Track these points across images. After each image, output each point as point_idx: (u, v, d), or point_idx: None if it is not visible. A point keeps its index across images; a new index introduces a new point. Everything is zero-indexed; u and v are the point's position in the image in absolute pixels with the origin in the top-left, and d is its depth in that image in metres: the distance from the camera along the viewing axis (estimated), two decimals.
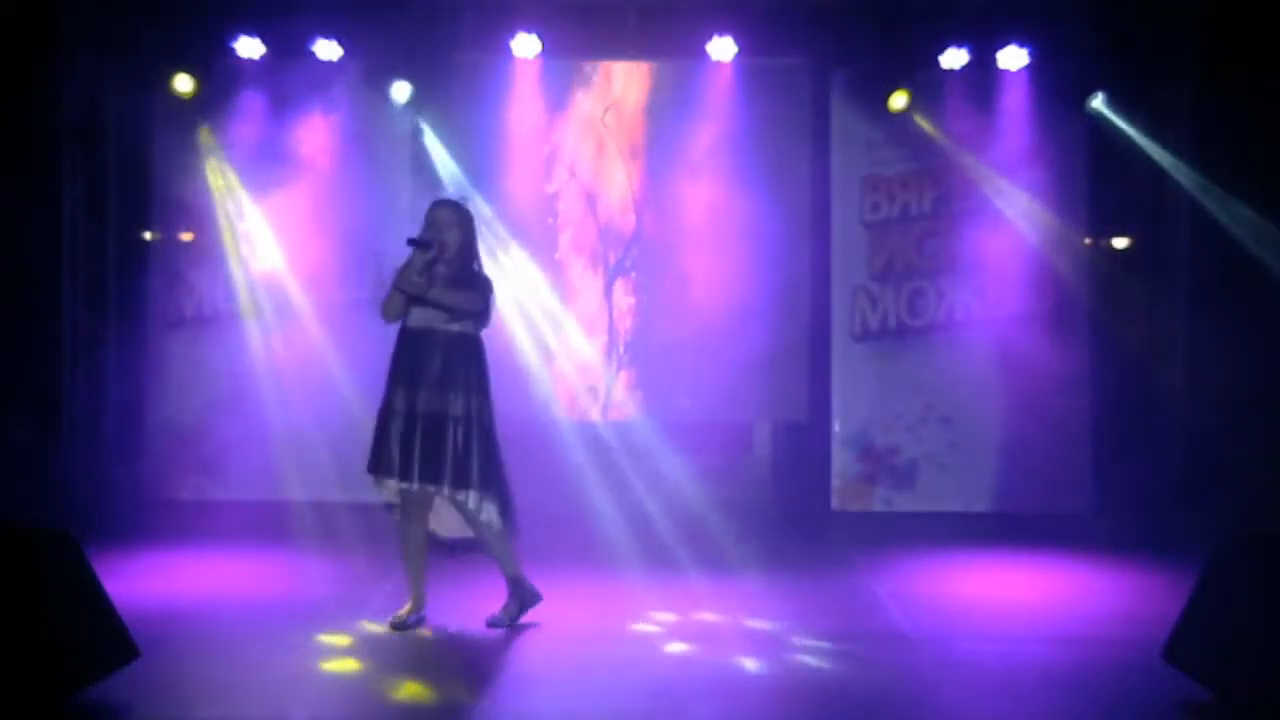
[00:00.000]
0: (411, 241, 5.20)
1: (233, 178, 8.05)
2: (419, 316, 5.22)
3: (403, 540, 5.38)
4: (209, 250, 8.10)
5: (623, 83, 8.36)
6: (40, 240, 7.55)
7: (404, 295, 5.19)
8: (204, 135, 8.03)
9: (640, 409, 8.36)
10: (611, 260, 8.43)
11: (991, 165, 8.04)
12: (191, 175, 8.05)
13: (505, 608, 5.41)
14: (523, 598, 5.43)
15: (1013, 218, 8.03)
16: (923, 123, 8.07)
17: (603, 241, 8.43)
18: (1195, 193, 7.62)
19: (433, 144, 8.11)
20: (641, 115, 8.38)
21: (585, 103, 8.35)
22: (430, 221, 5.31)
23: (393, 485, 5.23)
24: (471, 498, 5.22)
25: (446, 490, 5.19)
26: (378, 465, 5.24)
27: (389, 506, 5.40)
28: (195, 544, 7.17)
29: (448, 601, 5.51)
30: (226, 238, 8.07)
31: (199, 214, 8.09)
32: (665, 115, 8.28)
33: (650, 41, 8.05)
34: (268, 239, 8.09)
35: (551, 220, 8.38)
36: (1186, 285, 7.73)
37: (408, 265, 5.19)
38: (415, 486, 5.20)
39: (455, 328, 5.25)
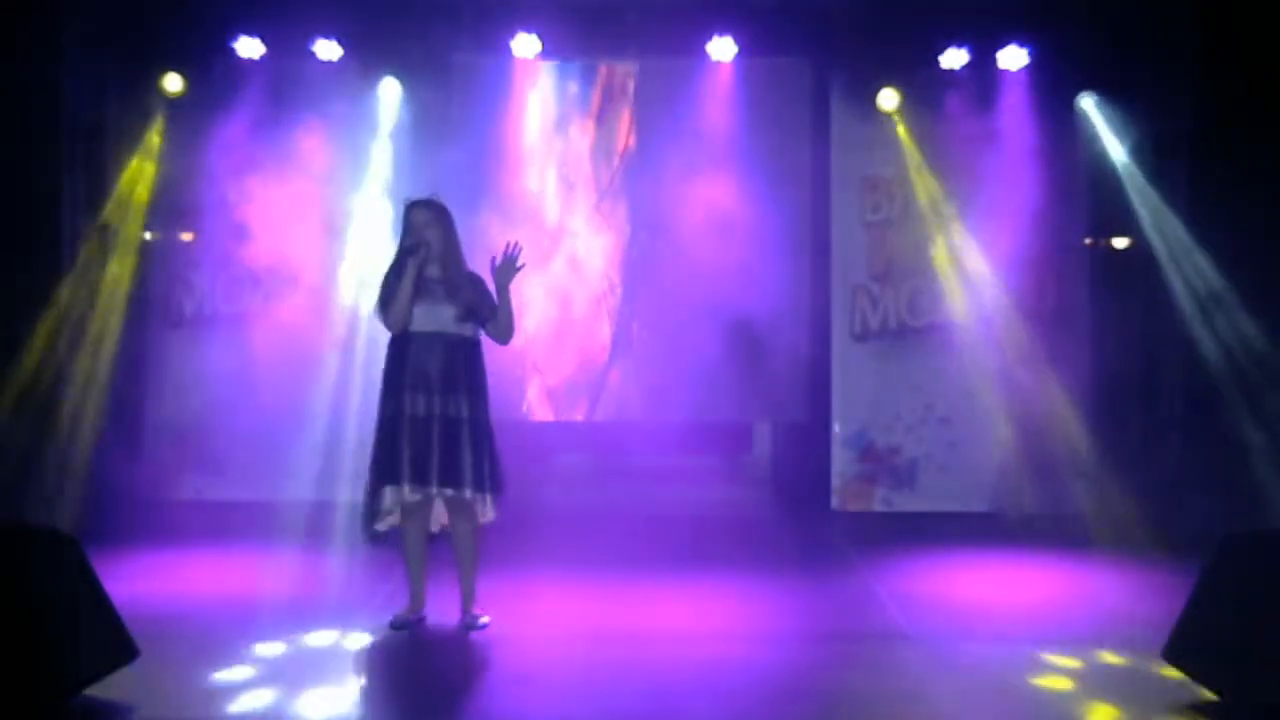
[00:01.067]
0: (406, 250, 5.21)
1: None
2: (427, 320, 5.22)
3: (404, 541, 5.37)
4: (209, 250, 8.10)
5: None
6: (40, 240, 7.54)
7: (408, 302, 5.18)
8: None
9: (640, 409, 8.37)
10: (609, 259, 8.44)
11: (991, 165, 8.04)
12: (194, 175, 8.03)
13: (469, 613, 5.40)
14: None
15: (1013, 217, 8.02)
16: (901, 129, 8.07)
17: (600, 240, 8.44)
18: (1143, 209, 7.69)
19: (447, 137, 8.12)
20: (639, 117, 8.39)
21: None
22: (409, 224, 5.31)
23: (404, 493, 5.18)
24: (486, 500, 5.28)
25: (468, 493, 5.20)
26: (389, 474, 5.17)
27: (376, 534, 5.35)
28: (195, 544, 7.17)
29: (448, 602, 5.50)
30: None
31: (199, 214, 8.09)
32: (665, 115, 8.29)
33: (650, 41, 8.05)
34: (264, 238, 8.08)
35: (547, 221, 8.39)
36: (1185, 284, 7.72)
37: (401, 273, 5.21)
38: (434, 490, 5.19)
39: (466, 331, 5.27)
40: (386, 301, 5.24)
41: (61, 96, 7.63)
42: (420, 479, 5.15)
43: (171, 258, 8.16)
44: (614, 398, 8.47)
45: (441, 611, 5.45)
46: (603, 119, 8.42)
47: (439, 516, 5.42)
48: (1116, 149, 7.87)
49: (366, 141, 8.12)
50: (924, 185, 8.06)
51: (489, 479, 5.26)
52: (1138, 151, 7.81)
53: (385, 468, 5.18)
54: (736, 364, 8.13)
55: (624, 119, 8.42)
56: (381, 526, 5.29)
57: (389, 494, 5.20)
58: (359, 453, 7.81)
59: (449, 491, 5.20)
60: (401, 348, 5.25)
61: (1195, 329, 7.39)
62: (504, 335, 5.41)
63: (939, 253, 8.11)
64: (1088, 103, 7.94)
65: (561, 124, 8.35)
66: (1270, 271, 7.14)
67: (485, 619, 5.37)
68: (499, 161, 8.21)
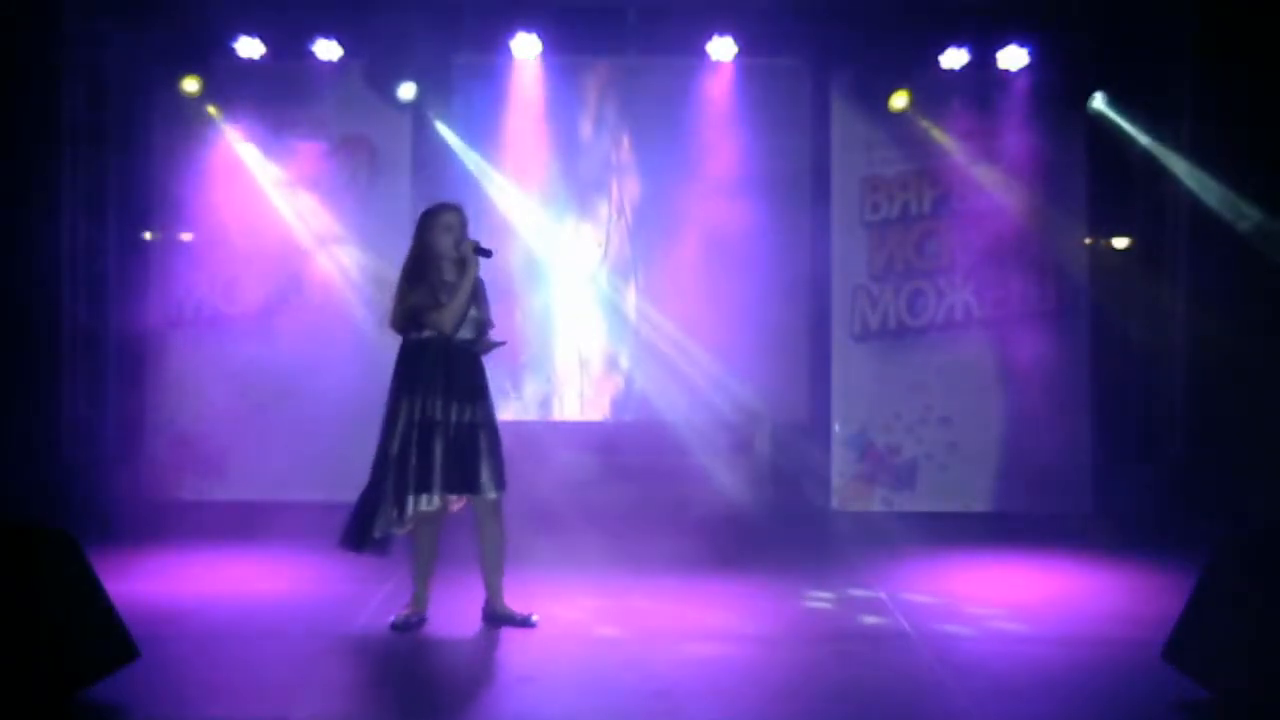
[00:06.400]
0: (481, 251, 5.20)
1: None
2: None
3: (417, 542, 5.34)
4: (209, 250, 8.10)
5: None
6: (40, 240, 7.54)
7: (466, 306, 5.17)
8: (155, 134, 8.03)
9: (641, 409, 8.38)
10: (609, 260, 8.45)
11: (991, 165, 8.05)
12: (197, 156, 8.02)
13: (502, 612, 5.40)
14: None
15: (1012, 217, 8.03)
16: (925, 123, 8.07)
17: (601, 241, 8.45)
18: (1197, 190, 7.62)
19: (448, 137, 8.11)
20: (640, 117, 8.40)
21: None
22: (446, 225, 5.27)
23: (435, 500, 5.16)
24: (500, 498, 5.31)
25: (492, 494, 5.23)
26: (422, 483, 5.12)
27: (383, 540, 5.27)
28: (195, 544, 7.17)
29: (448, 602, 5.50)
30: None
31: (199, 214, 8.09)
32: (664, 115, 8.29)
33: (650, 41, 8.05)
34: (265, 238, 8.09)
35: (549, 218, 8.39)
36: (1186, 285, 7.73)
37: (423, 278, 5.21)
38: (465, 496, 5.22)
39: (468, 335, 5.27)
40: (428, 308, 5.15)
41: (61, 96, 7.63)
42: (452, 486, 5.16)
43: (172, 258, 8.16)
44: (615, 397, 8.48)
45: (441, 612, 5.44)
46: (603, 119, 8.42)
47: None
48: (1155, 146, 7.82)
49: (368, 141, 8.13)
50: (981, 174, 8.03)
51: (504, 476, 5.31)
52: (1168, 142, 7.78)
53: (419, 475, 5.13)
54: (736, 364, 8.13)
55: (624, 119, 8.42)
56: (401, 531, 5.24)
57: (419, 501, 5.14)
58: (360, 452, 7.86)
59: (474, 496, 5.22)
60: (417, 352, 5.22)
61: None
62: (449, 325, 5.22)
63: (937, 252, 8.13)
64: (1099, 103, 7.92)
65: (562, 124, 8.33)
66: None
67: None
68: (500, 161, 8.21)
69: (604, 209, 8.45)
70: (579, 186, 8.42)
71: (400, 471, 5.14)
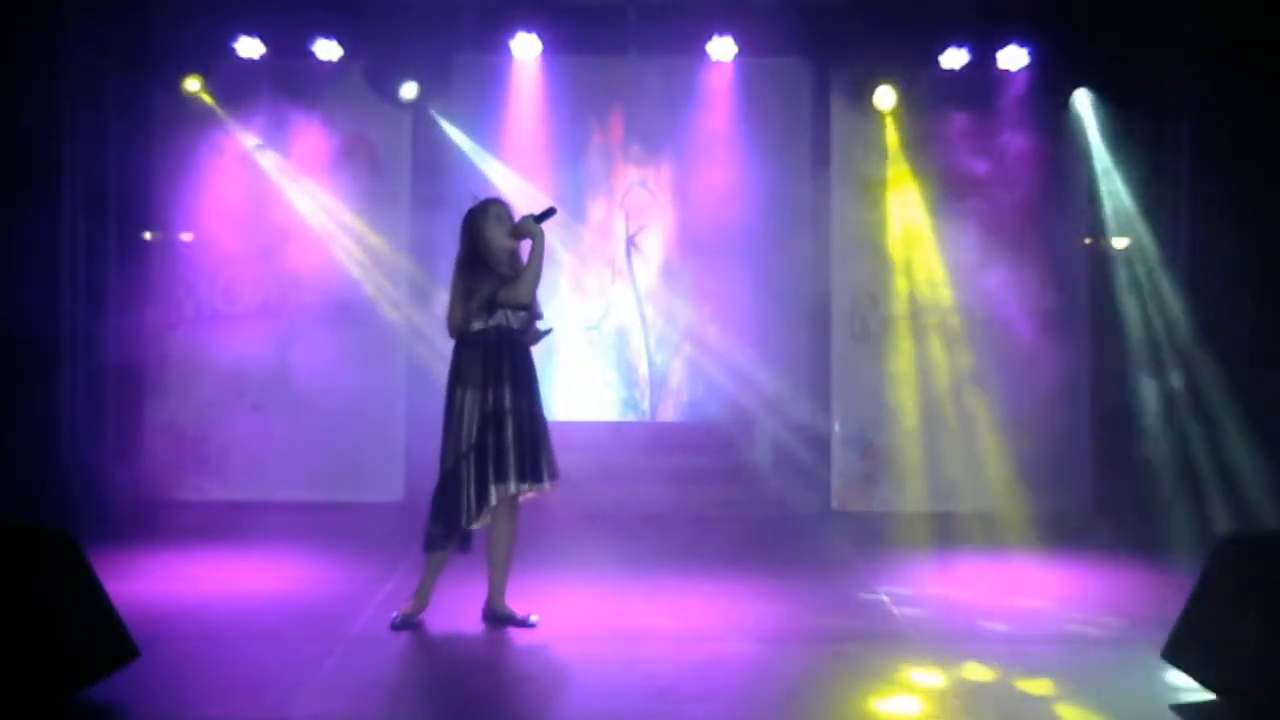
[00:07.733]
0: (542, 216, 5.21)
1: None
2: (510, 317, 5.23)
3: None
4: (209, 250, 8.11)
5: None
6: (40, 240, 7.53)
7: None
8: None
9: (636, 409, 8.38)
10: (613, 259, 8.45)
11: (991, 165, 8.04)
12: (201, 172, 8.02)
13: (502, 612, 5.40)
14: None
15: (1012, 217, 8.03)
16: (925, 123, 8.06)
17: (602, 241, 8.46)
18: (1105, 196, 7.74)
19: (448, 136, 8.11)
20: (639, 117, 8.40)
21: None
22: (497, 216, 5.29)
23: (510, 488, 5.17)
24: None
25: (549, 484, 5.30)
26: (500, 472, 5.15)
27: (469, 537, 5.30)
28: (195, 544, 7.17)
29: (448, 602, 5.50)
30: None
31: (198, 214, 8.10)
32: (664, 115, 8.29)
33: (650, 41, 8.05)
34: (265, 238, 8.10)
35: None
36: (1186, 282, 7.72)
37: (487, 269, 5.22)
38: (546, 484, 5.25)
39: (517, 325, 5.29)
40: (502, 286, 5.17)
41: (61, 96, 7.63)
42: (524, 474, 5.19)
43: (172, 258, 8.17)
44: (612, 396, 8.48)
45: (441, 612, 5.44)
46: (603, 119, 8.43)
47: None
48: (1099, 147, 7.88)
49: (368, 141, 8.14)
50: (980, 174, 8.04)
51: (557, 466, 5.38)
52: (1121, 148, 7.82)
53: (497, 464, 5.16)
54: (735, 363, 8.14)
55: (624, 119, 8.42)
56: (479, 525, 5.24)
57: (501, 490, 5.17)
58: (360, 452, 7.89)
59: (548, 486, 5.28)
60: (476, 346, 5.20)
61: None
62: (528, 293, 5.28)
63: (937, 252, 8.14)
64: (1083, 99, 7.93)
65: (562, 124, 8.33)
66: (1273, 270, 7.14)
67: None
68: (500, 161, 8.21)
69: (603, 208, 8.45)
70: (578, 185, 8.42)
71: (480, 461, 5.15)
